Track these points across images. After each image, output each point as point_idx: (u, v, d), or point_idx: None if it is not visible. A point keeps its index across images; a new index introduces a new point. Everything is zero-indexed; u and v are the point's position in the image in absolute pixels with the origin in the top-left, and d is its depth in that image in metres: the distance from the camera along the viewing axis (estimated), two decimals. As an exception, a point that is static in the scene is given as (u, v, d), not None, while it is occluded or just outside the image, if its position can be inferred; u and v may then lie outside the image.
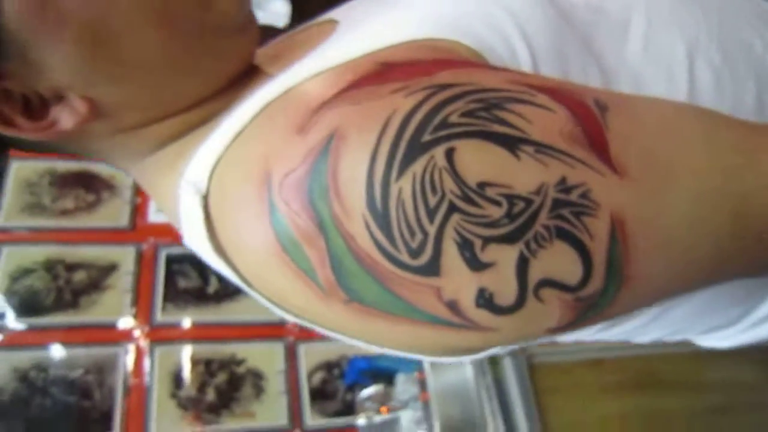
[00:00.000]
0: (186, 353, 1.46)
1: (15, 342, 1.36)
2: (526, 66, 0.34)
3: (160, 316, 1.48)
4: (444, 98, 0.28)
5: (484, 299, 0.27)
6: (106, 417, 1.32)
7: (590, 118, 0.29)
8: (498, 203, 0.26)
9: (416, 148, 0.26)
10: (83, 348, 1.38)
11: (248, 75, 0.39)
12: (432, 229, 0.26)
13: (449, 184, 0.26)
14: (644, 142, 0.29)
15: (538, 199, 0.27)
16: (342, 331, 0.34)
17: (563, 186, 0.27)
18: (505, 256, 0.27)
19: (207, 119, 0.38)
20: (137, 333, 1.45)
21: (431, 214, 0.26)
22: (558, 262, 0.27)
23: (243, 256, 0.33)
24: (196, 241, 0.36)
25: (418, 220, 0.26)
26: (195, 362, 1.45)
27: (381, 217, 0.26)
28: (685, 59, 0.39)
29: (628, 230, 0.28)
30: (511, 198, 0.27)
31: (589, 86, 0.33)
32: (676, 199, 0.28)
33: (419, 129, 0.27)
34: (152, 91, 0.35)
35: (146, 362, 1.41)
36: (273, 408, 1.44)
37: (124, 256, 1.52)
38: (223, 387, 1.43)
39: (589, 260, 0.27)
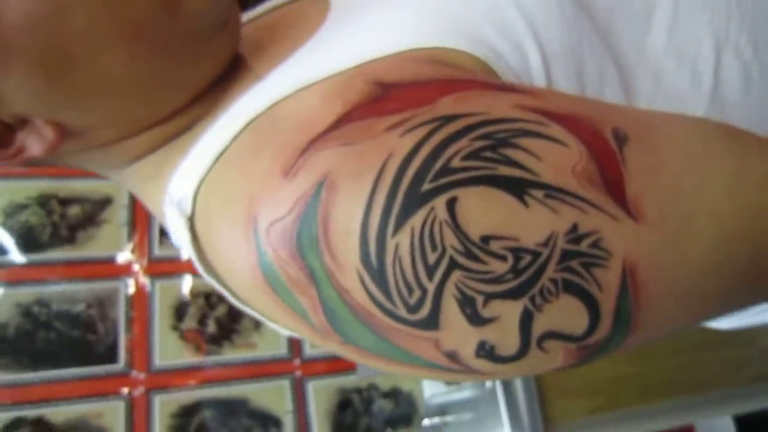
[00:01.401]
0: (186, 286, 1.48)
1: (16, 278, 1.37)
2: (537, 72, 0.31)
3: (158, 250, 1.49)
4: (446, 136, 0.25)
5: (485, 351, 0.26)
6: (111, 350, 1.35)
7: (607, 153, 0.26)
8: (503, 258, 0.25)
9: (415, 200, 0.24)
10: (84, 283, 1.39)
11: (232, 70, 0.36)
12: (431, 287, 0.25)
13: (450, 239, 0.24)
14: (665, 182, 0.26)
15: (546, 252, 0.25)
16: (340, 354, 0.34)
17: (574, 235, 0.25)
18: (509, 311, 0.25)
19: (188, 126, 0.35)
20: (136, 267, 1.46)
21: (430, 271, 0.24)
22: (564, 314, 0.26)
23: (234, 281, 0.32)
24: (187, 254, 0.34)
25: (417, 277, 0.24)
26: (195, 295, 1.47)
27: (377, 273, 0.25)
28: (711, 54, 0.35)
29: (640, 279, 0.26)
30: (517, 251, 0.25)
31: (608, 107, 0.30)
32: (695, 245, 0.26)
33: (418, 176, 0.24)
34: (123, 110, 0.32)
35: (147, 295, 1.44)
36: (273, 338, 1.48)
37: (118, 189, 1.50)
38: (223, 319, 1.46)
39: (596, 311, 0.26)
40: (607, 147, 0.26)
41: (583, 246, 0.25)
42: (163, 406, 1.35)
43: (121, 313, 1.39)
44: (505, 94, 0.27)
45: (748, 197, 0.27)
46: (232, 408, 1.40)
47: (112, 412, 1.30)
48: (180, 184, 0.33)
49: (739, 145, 0.29)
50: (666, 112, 0.32)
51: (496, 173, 0.25)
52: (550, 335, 0.26)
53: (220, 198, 0.30)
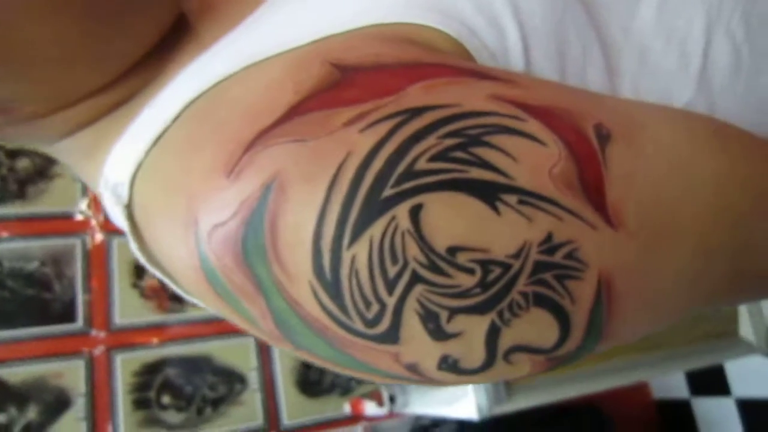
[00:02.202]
0: (146, 243, 1.43)
1: (-38, 234, 1.31)
2: (515, 51, 0.28)
3: (115, 205, 1.43)
4: (412, 133, 0.22)
5: (448, 364, 0.24)
6: (69, 308, 1.32)
7: (587, 153, 0.24)
8: (470, 271, 0.22)
9: (375, 207, 0.21)
10: (37, 240, 1.33)
11: (176, 33, 0.32)
12: (391, 301, 0.22)
13: (413, 251, 0.22)
14: (648, 187, 0.24)
15: (517, 264, 0.23)
16: None
17: (548, 245, 0.23)
18: (474, 326, 0.23)
19: (125, 99, 0.31)
20: (93, 223, 1.40)
21: (390, 285, 0.22)
22: (533, 328, 0.24)
23: (178, 277, 0.29)
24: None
25: (375, 291, 0.22)
26: (156, 252, 1.43)
27: (331, 286, 0.22)
28: (702, 34, 0.32)
29: (615, 290, 0.24)
30: (486, 264, 0.22)
31: (591, 99, 0.27)
32: (675, 255, 0.25)
33: (379, 180, 0.21)
34: (47, 83, 0.28)
35: (105, 252, 1.39)
36: (238, 296, 1.46)
37: (71, 140, 1.42)
38: (187, 277, 1.43)
39: (567, 324, 0.24)
40: (589, 146, 0.24)
41: (558, 257, 0.23)
42: (125, 365, 1.33)
43: (78, 271, 1.34)
44: (479, 82, 0.25)
45: (730, 204, 0.25)
46: (196, 365, 1.39)
47: (72, 372, 1.28)
48: (116, 167, 0.30)
49: (727, 147, 0.27)
50: (653, 104, 0.29)
51: (467, 176, 0.22)
52: (518, 349, 0.24)
53: (158, 189, 0.27)
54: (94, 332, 1.32)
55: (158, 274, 0.33)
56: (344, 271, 0.22)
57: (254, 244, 0.22)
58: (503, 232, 0.22)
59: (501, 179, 0.22)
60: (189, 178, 0.24)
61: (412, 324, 0.23)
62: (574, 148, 0.24)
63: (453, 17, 0.27)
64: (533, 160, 0.23)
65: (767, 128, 0.32)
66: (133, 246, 0.32)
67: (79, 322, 1.31)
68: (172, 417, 1.33)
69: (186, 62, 0.31)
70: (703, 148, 0.26)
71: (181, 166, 0.25)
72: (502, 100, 0.24)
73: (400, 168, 0.22)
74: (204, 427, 1.35)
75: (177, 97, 0.28)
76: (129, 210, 0.30)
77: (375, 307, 0.22)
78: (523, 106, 0.24)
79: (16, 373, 1.24)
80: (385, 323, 0.23)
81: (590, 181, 0.23)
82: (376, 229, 0.21)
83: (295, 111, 0.23)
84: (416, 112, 0.23)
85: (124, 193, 0.29)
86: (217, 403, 1.38)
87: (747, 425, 1.49)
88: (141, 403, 1.31)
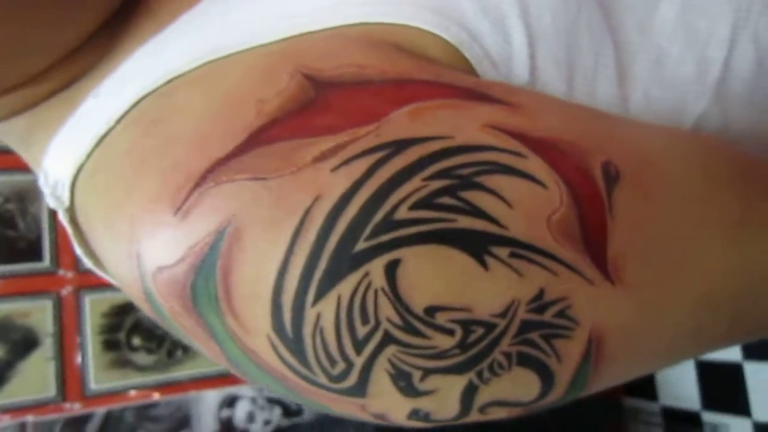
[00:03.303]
0: (117, 182, 1.38)
1: None
2: (520, 58, 0.25)
3: (84, 141, 1.37)
4: (393, 174, 0.19)
5: (418, 416, 0.22)
6: (34, 246, 1.27)
7: (592, 197, 0.21)
8: (450, 332, 0.20)
9: (345, 262, 0.19)
10: (0, 175, 1.27)
11: (127, 5, 0.27)
12: (359, 360, 0.20)
13: (387, 311, 0.19)
14: (655, 236, 0.22)
15: (502, 323, 0.20)
16: None
17: (539, 302, 0.20)
18: (450, 385, 0.21)
19: (65, 85, 0.27)
20: (60, 158, 1.34)
21: (359, 345, 0.20)
22: (513, 386, 0.22)
23: (125, 290, 0.26)
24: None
25: (341, 350, 0.20)
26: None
27: (292, 342, 0.20)
28: (727, 38, 0.29)
29: (606, 348, 0.22)
30: (467, 323, 0.20)
31: (601, 127, 0.24)
32: (674, 309, 0.23)
33: (352, 231, 0.19)
34: None
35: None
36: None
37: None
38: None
39: (551, 381, 0.22)
40: (594, 189, 0.21)
41: (548, 315, 0.21)
42: (93, 306, 1.31)
43: (44, 209, 1.29)
44: (475, 106, 0.21)
45: (744, 253, 0.23)
46: (168, 308, 1.37)
47: (40, 312, 1.26)
48: (55, 162, 0.27)
49: (747, 189, 0.24)
50: (667, 129, 0.26)
51: (453, 227, 0.19)
52: (495, 403, 0.22)
53: (100, 201, 0.23)
54: (61, 272, 1.29)
55: (105, 277, 0.30)
56: (307, 329, 0.19)
57: (205, 293, 0.19)
58: (489, 290, 0.20)
59: (492, 229, 0.20)
60: (132, 200, 0.21)
61: (381, 382, 0.21)
62: (577, 191, 0.21)
63: (452, 19, 0.23)
64: (531, 205, 0.20)
65: None
66: (78, 249, 0.29)
67: (46, 262, 1.28)
68: (143, 359, 1.32)
69: (137, 42, 0.26)
70: (720, 186, 0.24)
71: (125, 184, 0.22)
72: (501, 131, 0.21)
73: (377, 217, 0.19)
74: (174, 369, 1.35)
75: (123, 90, 0.24)
76: (70, 213, 0.27)
77: (341, 365, 0.20)
78: (524, 139, 0.21)
79: (-19, 312, 1.22)
80: (351, 380, 0.21)
81: (592, 231, 0.21)
82: (345, 287, 0.19)
83: (256, 138, 0.19)
84: (400, 146, 0.19)
85: (65, 195, 0.26)
86: (187, 346, 1.38)
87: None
88: (111, 344, 1.30)
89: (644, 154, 0.23)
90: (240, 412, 1.39)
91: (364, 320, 0.19)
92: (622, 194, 0.21)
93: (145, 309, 0.25)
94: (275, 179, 0.19)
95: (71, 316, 1.28)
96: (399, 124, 0.20)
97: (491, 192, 0.20)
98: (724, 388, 1.41)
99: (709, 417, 1.44)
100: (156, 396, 1.32)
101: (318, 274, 0.19)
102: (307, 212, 0.18)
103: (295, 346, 0.20)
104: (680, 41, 0.28)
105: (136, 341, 1.33)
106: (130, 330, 1.33)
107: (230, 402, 1.39)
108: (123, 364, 1.30)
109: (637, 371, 0.25)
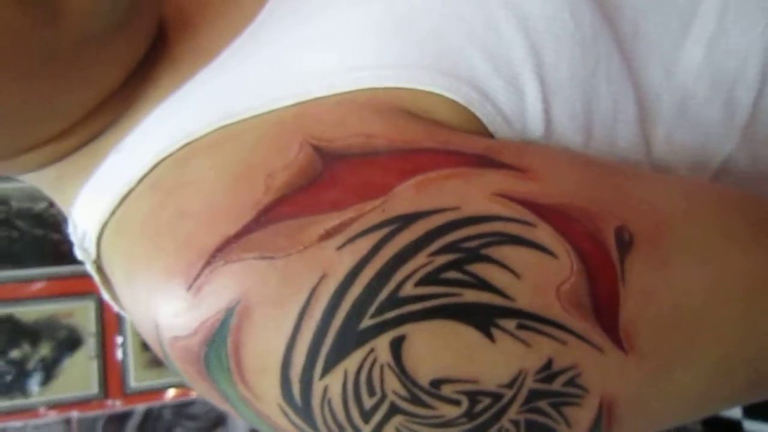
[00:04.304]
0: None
1: (-31, 171, 1.30)
2: (534, 112, 0.24)
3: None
4: (398, 250, 0.19)
5: None
6: (78, 249, 1.32)
7: (604, 266, 0.21)
8: (456, 402, 0.20)
9: (351, 339, 0.19)
10: (44, 180, 1.33)
11: (153, 51, 0.28)
12: (367, 429, 0.20)
13: (393, 384, 0.19)
14: (668, 305, 0.21)
15: (510, 393, 0.20)
16: None
17: (547, 372, 0.20)
18: None
19: (90, 139, 0.28)
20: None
21: (366, 415, 0.20)
22: None
23: (147, 340, 0.27)
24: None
25: (350, 420, 0.20)
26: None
27: (301, 410, 0.20)
28: (756, 78, 0.27)
29: (616, 413, 0.22)
30: (474, 394, 0.20)
31: (615, 189, 0.23)
32: (688, 374, 0.22)
33: (357, 309, 0.19)
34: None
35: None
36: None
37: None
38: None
39: None
40: (606, 258, 0.21)
41: (557, 384, 0.21)
42: (134, 306, 1.35)
43: (86, 213, 1.34)
44: (484, 174, 0.21)
45: (760, 317, 0.22)
46: (203, 309, 1.41)
47: (83, 312, 1.31)
48: (83, 214, 0.28)
49: None
50: (687, 186, 0.25)
51: (459, 301, 0.19)
52: None
53: (122, 263, 0.25)
54: (103, 274, 1.34)
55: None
56: (315, 400, 0.20)
57: (217, 364, 0.20)
58: (496, 361, 0.20)
59: (499, 301, 0.20)
60: (149, 271, 0.22)
61: None
62: (589, 259, 0.21)
63: (463, 79, 0.23)
64: (539, 276, 0.20)
65: None
66: (106, 295, 0.30)
67: (88, 264, 1.33)
68: (180, 358, 1.37)
69: (158, 96, 0.27)
70: (740, 247, 0.23)
71: (144, 253, 0.22)
72: (510, 199, 0.21)
73: (383, 295, 0.19)
74: (211, 368, 1.39)
75: (143, 150, 0.25)
76: (97, 265, 0.28)
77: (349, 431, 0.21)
78: (533, 206, 0.21)
79: (28, 312, 1.27)
80: (360, 445, 0.21)
81: (603, 299, 0.21)
82: (351, 362, 0.19)
83: (264, 216, 0.20)
84: (405, 221, 0.20)
85: (92, 248, 0.27)
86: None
87: None
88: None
89: (659, 217, 0.22)
90: (273, 410, 1.43)
91: (371, 393, 0.19)
92: (635, 261, 0.21)
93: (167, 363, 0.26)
94: (282, 258, 0.19)
95: (112, 316, 1.33)
96: (405, 197, 0.20)
97: (498, 263, 0.20)
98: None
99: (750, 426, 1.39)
100: (193, 395, 1.36)
101: (324, 350, 0.19)
102: (314, 291, 0.19)
103: (305, 414, 0.20)
104: (706, 82, 0.27)
105: (174, 341, 1.37)
106: (167, 330, 1.37)
107: (264, 400, 1.42)
108: (161, 363, 1.34)
109: (650, 430, 0.24)
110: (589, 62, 0.25)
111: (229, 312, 0.19)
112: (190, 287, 0.20)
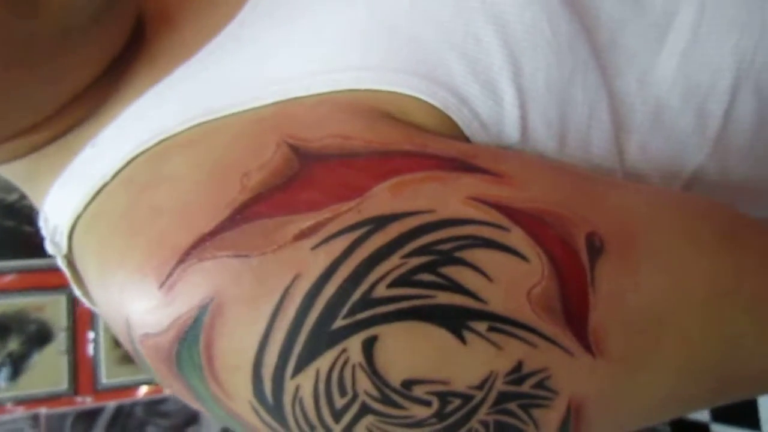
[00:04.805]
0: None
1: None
2: (511, 118, 0.25)
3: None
4: (372, 252, 0.19)
5: None
6: (50, 242, 1.30)
7: (575, 271, 0.21)
8: (427, 403, 0.20)
9: (323, 339, 0.19)
10: (16, 171, 1.30)
11: (131, 46, 0.28)
12: (338, 428, 0.20)
13: (364, 384, 0.20)
14: (637, 310, 0.22)
15: (480, 395, 0.21)
16: None
17: (517, 375, 0.21)
18: None
19: (64, 132, 0.27)
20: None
21: (337, 414, 0.20)
22: None
23: (118, 336, 0.27)
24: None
25: (321, 419, 0.20)
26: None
27: (273, 409, 0.20)
28: (727, 91, 0.28)
29: (584, 415, 0.22)
30: (444, 395, 0.20)
31: (587, 196, 0.24)
32: (655, 377, 0.23)
33: (330, 309, 0.19)
34: None
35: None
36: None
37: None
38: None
39: None
40: (577, 262, 0.21)
41: (526, 387, 0.21)
42: (107, 302, 1.33)
43: (59, 206, 1.31)
44: (459, 177, 0.21)
45: (729, 322, 0.23)
46: (179, 305, 1.39)
47: (54, 306, 1.28)
48: (55, 208, 0.27)
49: (737, 257, 0.24)
50: (657, 195, 0.26)
51: (432, 303, 0.20)
52: None
53: (94, 258, 0.24)
54: (76, 268, 1.31)
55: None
56: (287, 398, 0.20)
57: (189, 361, 0.20)
58: (467, 363, 0.20)
59: (471, 304, 0.20)
60: (122, 268, 0.22)
61: None
62: (560, 264, 0.21)
63: (440, 84, 0.23)
64: (511, 279, 0.21)
65: None
66: (77, 291, 0.30)
67: (61, 258, 1.30)
68: (153, 354, 1.35)
69: (135, 91, 0.27)
70: (708, 256, 0.24)
71: (117, 249, 0.22)
72: (484, 203, 0.21)
73: (355, 296, 0.19)
74: (184, 365, 1.37)
75: (119, 144, 0.25)
76: (68, 259, 0.27)
77: (320, 431, 0.21)
78: (507, 210, 0.21)
79: (-3, 305, 1.25)
80: (331, 444, 0.21)
81: (573, 303, 0.21)
82: (323, 362, 0.19)
83: (239, 215, 0.20)
84: (380, 222, 0.20)
85: (63, 242, 0.27)
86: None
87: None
88: (122, 339, 1.33)
89: (630, 225, 0.23)
90: (248, 408, 1.41)
91: (342, 392, 0.20)
92: (605, 266, 0.22)
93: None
94: (257, 257, 0.19)
95: (84, 311, 1.30)
96: (380, 199, 0.20)
97: (471, 266, 0.20)
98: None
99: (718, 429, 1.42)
100: (166, 392, 1.34)
101: (297, 350, 0.19)
102: (287, 290, 0.19)
103: (276, 413, 0.20)
104: (679, 93, 0.28)
105: (148, 337, 1.35)
106: (141, 326, 1.35)
107: (238, 399, 1.41)
108: (134, 359, 1.33)
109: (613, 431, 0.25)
110: (566, 70, 0.25)
111: (202, 310, 0.19)
112: (162, 285, 0.20)
